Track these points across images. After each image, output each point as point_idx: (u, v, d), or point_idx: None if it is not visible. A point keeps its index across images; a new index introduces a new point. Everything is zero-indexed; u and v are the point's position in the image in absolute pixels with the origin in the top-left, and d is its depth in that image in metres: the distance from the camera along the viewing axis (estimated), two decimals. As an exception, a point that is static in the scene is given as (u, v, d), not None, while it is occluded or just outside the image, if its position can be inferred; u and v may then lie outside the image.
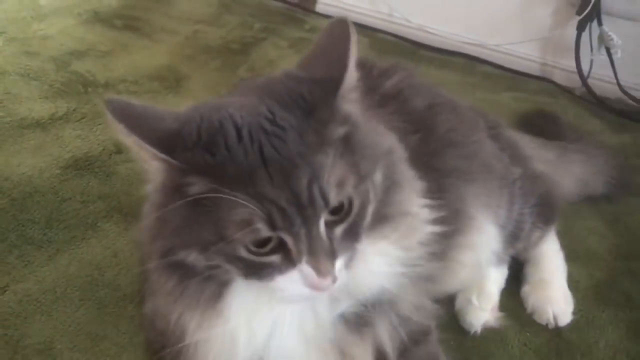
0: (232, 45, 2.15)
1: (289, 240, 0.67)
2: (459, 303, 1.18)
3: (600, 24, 1.96)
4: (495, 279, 1.22)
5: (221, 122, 0.69)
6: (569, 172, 1.41)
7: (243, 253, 0.67)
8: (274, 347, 0.80)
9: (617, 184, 1.48)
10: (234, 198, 0.64)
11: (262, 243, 0.67)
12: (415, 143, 1.04)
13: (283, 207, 0.65)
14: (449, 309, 1.19)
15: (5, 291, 1.12)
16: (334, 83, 0.71)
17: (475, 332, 1.15)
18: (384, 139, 0.79)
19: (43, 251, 1.21)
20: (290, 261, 0.68)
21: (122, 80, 1.82)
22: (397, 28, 2.36)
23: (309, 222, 0.66)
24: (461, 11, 2.23)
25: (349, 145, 0.70)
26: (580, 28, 1.99)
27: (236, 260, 0.68)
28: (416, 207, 0.81)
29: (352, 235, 0.71)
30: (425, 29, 2.31)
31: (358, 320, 0.83)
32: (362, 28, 2.35)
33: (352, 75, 0.73)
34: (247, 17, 2.38)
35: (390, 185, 0.76)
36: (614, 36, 1.93)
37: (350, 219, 0.70)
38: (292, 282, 0.69)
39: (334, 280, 0.68)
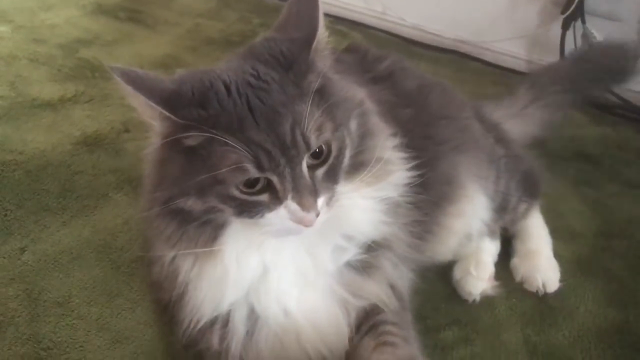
0: (232, 37, 2.23)
1: (275, 180, 0.75)
2: (457, 274, 1.25)
3: (584, 22, 2.05)
4: (490, 250, 1.30)
5: (211, 82, 0.78)
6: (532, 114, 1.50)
7: (235, 193, 0.76)
8: (264, 289, 0.87)
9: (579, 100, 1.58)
10: (225, 145, 0.73)
11: (252, 184, 0.76)
12: (407, 117, 1.13)
13: (269, 150, 0.74)
14: (441, 279, 1.27)
15: (24, 251, 1.19)
16: (307, 41, 0.81)
17: (475, 300, 1.22)
18: (356, 93, 0.88)
19: (58, 217, 1.28)
20: (277, 199, 0.77)
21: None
22: (391, 26, 2.45)
23: (293, 163, 0.75)
24: (452, 10, 2.32)
25: (324, 96, 0.79)
26: (565, 26, 2.08)
27: (229, 199, 0.76)
28: (389, 154, 0.89)
29: (332, 177, 0.80)
30: (418, 27, 2.40)
31: (364, 265, 0.92)
32: (356, 25, 2.45)
33: (322, 33, 0.82)
34: (245, 12, 2.46)
35: (364, 134, 0.85)
36: (597, 35, 2.02)
37: (329, 162, 0.79)
38: (280, 217, 0.77)
39: (317, 214, 0.77)
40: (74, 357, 1.02)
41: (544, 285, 1.26)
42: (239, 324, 0.89)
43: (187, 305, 0.87)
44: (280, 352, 0.90)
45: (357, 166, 0.84)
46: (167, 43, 2.10)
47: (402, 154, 0.92)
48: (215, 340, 0.90)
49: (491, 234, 1.30)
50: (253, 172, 0.74)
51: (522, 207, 1.34)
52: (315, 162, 0.79)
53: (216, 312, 0.88)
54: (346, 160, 0.82)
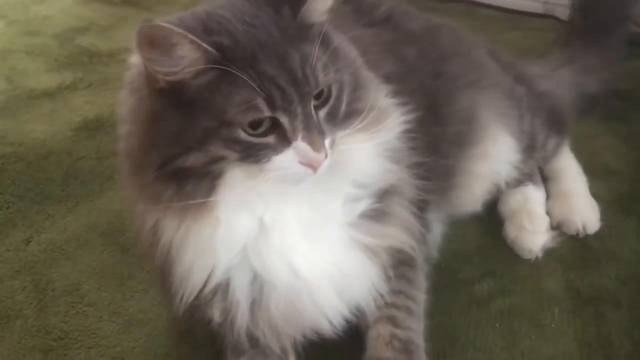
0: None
1: (284, 120, 0.71)
2: (511, 232, 1.16)
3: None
4: (538, 198, 1.22)
5: (220, 21, 0.72)
6: (561, 80, 1.39)
7: (242, 135, 0.70)
8: (266, 248, 0.80)
9: (607, 81, 1.47)
10: (234, 83, 0.68)
11: (256, 125, 0.71)
12: (413, 55, 1.08)
13: (282, 87, 0.69)
14: (471, 231, 1.19)
15: (29, 242, 1.16)
16: None
17: (537, 256, 1.14)
18: (350, 49, 0.83)
19: (62, 205, 1.24)
20: (285, 140, 0.72)
21: (124, 49, 1.80)
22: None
23: (305, 100, 0.71)
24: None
25: (325, 42, 0.75)
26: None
27: (235, 144, 0.71)
28: (382, 102, 0.84)
29: (333, 118, 0.76)
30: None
31: (378, 213, 0.86)
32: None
33: None
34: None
35: (357, 86, 0.80)
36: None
37: (330, 104, 0.75)
38: (288, 160, 0.72)
39: (326, 155, 0.73)
40: (86, 345, 0.98)
41: (583, 227, 1.17)
42: (241, 293, 0.82)
43: (176, 275, 0.81)
44: (295, 317, 0.84)
45: (351, 114, 0.79)
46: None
47: (395, 100, 0.87)
48: (216, 313, 0.84)
49: (534, 180, 1.23)
50: (265, 111, 0.69)
51: (551, 143, 1.26)
52: (317, 102, 0.74)
53: (213, 281, 0.81)
54: (344, 105, 0.78)
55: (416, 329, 0.90)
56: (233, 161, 0.72)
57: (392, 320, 0.88)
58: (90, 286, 1.07)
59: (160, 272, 0.84)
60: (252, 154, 0.72)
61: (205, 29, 0.70)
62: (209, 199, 0.74)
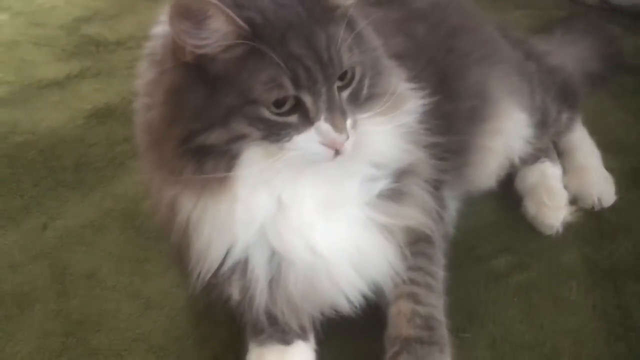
0: None
1: (307, 99, 0.71)
2: (531, 209, 1.16)
3: None
4: (556, 174, 1.21)
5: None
6: (566, 55, 1.38)
7: (265, 113, 0.70)
8: (284, 226, 0.79)
9: (611, 58, 1.47)
10: (261, 59, 0.68)
11: (280, 103, 0.71)
12: (422, 32, 1.07)
13: (308, 66, 0.69)
14: (487, 207, 1.19)
15: (45, 228, 1.16)
16: None
17: (558, 232, 1.13)
18: (372, 35, 0.83)
19: (76, 191, 1.24)
20: (307, 120, 0.72)
21: (131, 37, 1.83)
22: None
23: (329, 81, 0.71)
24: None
25: (350, 26, 0.75)
26: None
27: (258, 122, 0.71)
28: (400, 87, 0.84)
29: (355, 100, 0.76)
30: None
31: (396, 193, 0.85)
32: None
33: None
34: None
35: (377, 72, 0.81)
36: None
37: (353, 86, 0.76)
38: (309, 140, 0.72)
39: (347, 137, 0.73)
40: (106, 327, 0.98)
41: (599, 200, 1.17)
42: (260, 270, 0.82)
43: (193, 252, 0.80)
44: (313, 295, 0.84)
45: (372, 98, 0.80)
46: (171, 10, 2.03)
47: (412, 85, 0.87)
48: (235, 291, 0.83)
49: (550, 156, 1.23)
50: (290, 90, 0.70)
51: (564, 117, 1.25)
52: (341, 83, 0.74)
53: (231, 258, 0.81)
54: (365, 88, 0.78)
55: (437, 305, 0.89)
56: (255, 139, 0.72)
57: (413, 297, 0.88)
58: (108, 270, 1.07)
59: (177, 249, 0.83)
60: (275, 133, 0.72)
61: (236, 3, 0.69)
62: (227, 174, 0.73)
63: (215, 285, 0.84)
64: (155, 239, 1.11)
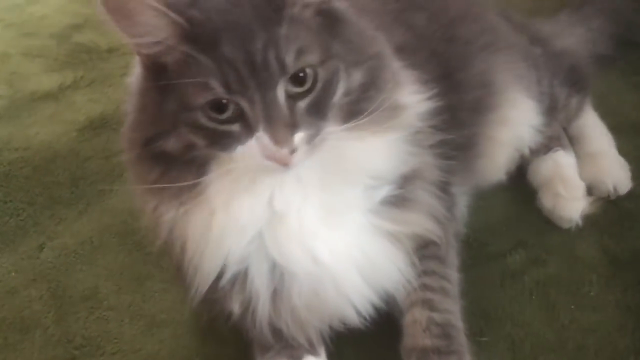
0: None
1: (245, 106, 0.66)
2: (547, 202, 1.11)
3: None
4: (570, 163, 1.16)
5: None
6: (573, 36, 1.33)
7: (203, 120, 0.67)
8: (283, 234, 0.76)
9: (621, 37, 1.40)
10: (195, 61, 0.65)
11: (221, 109, 0.66)
12: (422, 21, 1.03)
13: (238, 68, 0.64)
14: (498, 200, 1.14)
15: (42, 249, 1.13)
16: None
17: (577, 224, 1.08)
18: (372, 44, 0.77)
19: (73, 208, 1.21)
20: (249, 129, 0.67)
21: (123, 43, 1.78)
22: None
23: (264, 87, 0.65)
24: None
25: (326, 26, 0.70)
26: None
27: (199, 129, 0.68)
28: (404, 99, 0.79)
29: (318, 111, 0.69)
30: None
31: (400, 199, 0.81)
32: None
33: None
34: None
35: (370, 85, 0.74)
36: None
37: (314, 94, 0.68)
38: (252, 152, 0.67)
39: (292, 151, 0.66)
40: (109, 351, 0.95)
41: (614, 188, 1.12)
42: (260, 282, 0.78)
43: (187, 264, 0.78)
44: (318, 307, 0.80)
45: (354, 112, 0.73)
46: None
47: (419, 97, 0.82)
48: (235, 305, 0.80)
49: (562, 144, 1.18)
50: (220, 92, 0.65)
51: (573, 102, 1.21)
52: (297, 90, 0.67)
53: (229, 270, 0.77)
54: (337, 97, 0.71)
55: (453, 310, 0.85)
56: (202, 148, 0.69)
57: (428, 304, 0.84)
58: (108, 289, 1.04)
59: (176, 262, 0.81)
60: (218, 142, 0.68)
61: (182, 1, 0.66)
62: (197, 181, 0.71)
63: (216, 300, 0.81)
64: (156, 253, 1.07)
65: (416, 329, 0.82)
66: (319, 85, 0.68)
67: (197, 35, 0.65)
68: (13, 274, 1.08)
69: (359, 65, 0.72)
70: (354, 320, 0.83)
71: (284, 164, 0.67)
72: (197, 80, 0.65)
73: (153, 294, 1.03)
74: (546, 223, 1.10)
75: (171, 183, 0.71)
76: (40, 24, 1.92)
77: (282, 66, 0.65)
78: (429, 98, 0.82)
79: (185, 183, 0.71)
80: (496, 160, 1.10)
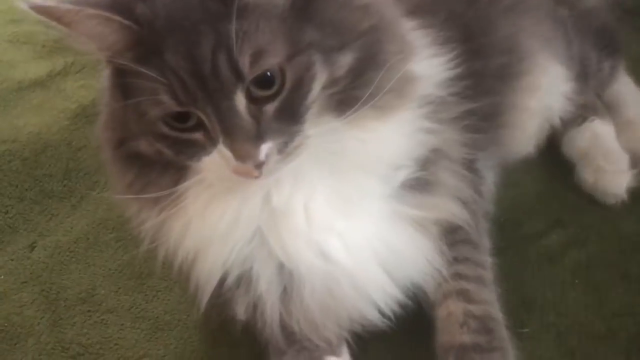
0: None
1: (203, 117, 0.60)
2: (589, 177, 1.02)
3: None
4: (609, 133, 1.06)
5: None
6: None
7: (164, 129, 0.62)
8: (287, 231, 0.70)
9: None
10: (140, 70, 0.58)
11: (182, 118, 0.60)
12: None
13: (184, 80, 0.57)
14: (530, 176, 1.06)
15: (33, 248, 1.05)
16: None
17: (623, 199, 0.99)
18: (364, 16, 0.66)
19: (66, 202, 1.13)
20: (211, 139, 0.61)
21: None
22: None
23: (217, 97, 0.58)
24: None
25: (295, 9, 0.60)
26: None
27: (161, 138, 0.63)
28: (421, 66, 0.71)
29: (289, 115, 0.61)
30: None
31: (422, 182, 0.74)
32: None
33: None
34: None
35: (366, 68, 0.64)
36: None
37: (283, 96, 0.60)
38: (216, 164, 0.62)
39: (258, 165, 0.60)
40: (109, 358, 0.87)
41: None
42: (267, 284, 0.71)
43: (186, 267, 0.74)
44: (335, 307, 0.73)
45: (349, 103, 0.64)
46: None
47: (435, 55, 0.74)
48: (240, 308, 0.74)
49: (598, 113, 1.08)
50: (172, 105, 0.59)
51: (606, 66, 1.12)
52: (262, 93, 0.59)
53: (233, 272, 0.72)
54: (314, 95, 0.62)
55: (491, 300, 0.77)
56: (168, 156, 0.64)
57: (464, 295, 0.75)
58: (106, 290, 0.96)
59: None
60: (183, 151, 0.63)
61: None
62: (172, 190, 0.67)
63: (223, 303, 0.75)
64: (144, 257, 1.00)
65: (452, 324, 0.74)
66: (288, 85, 0.60)
67: (144, 39, 0.58)
68: (2, 276, 1.00)
69: (346, 47, 0.63)
70: (376, 320, 0.75)
71: (253, 177, 0.60)
72: (148, 92, 0.59)
73: (156, 293, 0.94)
74: (583, 199, 1.01)
75: (149, 186, 0.68)
76: (26, 10, 1.82)
77: (237, 73, 0.57)
78: (450, 60, 0.74)
79: (161, 193, 0.67)
80: (525, 131, 1.02)
